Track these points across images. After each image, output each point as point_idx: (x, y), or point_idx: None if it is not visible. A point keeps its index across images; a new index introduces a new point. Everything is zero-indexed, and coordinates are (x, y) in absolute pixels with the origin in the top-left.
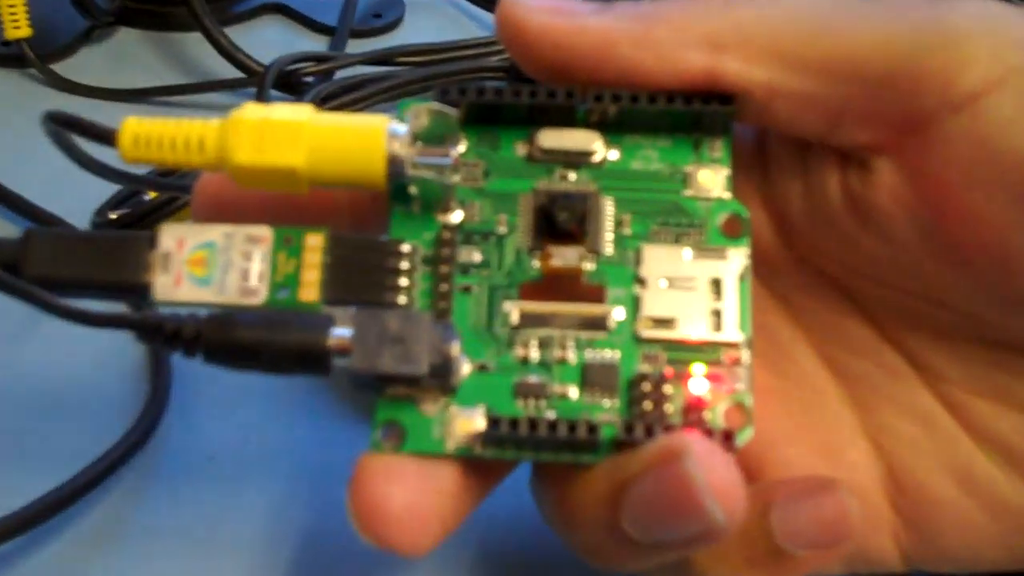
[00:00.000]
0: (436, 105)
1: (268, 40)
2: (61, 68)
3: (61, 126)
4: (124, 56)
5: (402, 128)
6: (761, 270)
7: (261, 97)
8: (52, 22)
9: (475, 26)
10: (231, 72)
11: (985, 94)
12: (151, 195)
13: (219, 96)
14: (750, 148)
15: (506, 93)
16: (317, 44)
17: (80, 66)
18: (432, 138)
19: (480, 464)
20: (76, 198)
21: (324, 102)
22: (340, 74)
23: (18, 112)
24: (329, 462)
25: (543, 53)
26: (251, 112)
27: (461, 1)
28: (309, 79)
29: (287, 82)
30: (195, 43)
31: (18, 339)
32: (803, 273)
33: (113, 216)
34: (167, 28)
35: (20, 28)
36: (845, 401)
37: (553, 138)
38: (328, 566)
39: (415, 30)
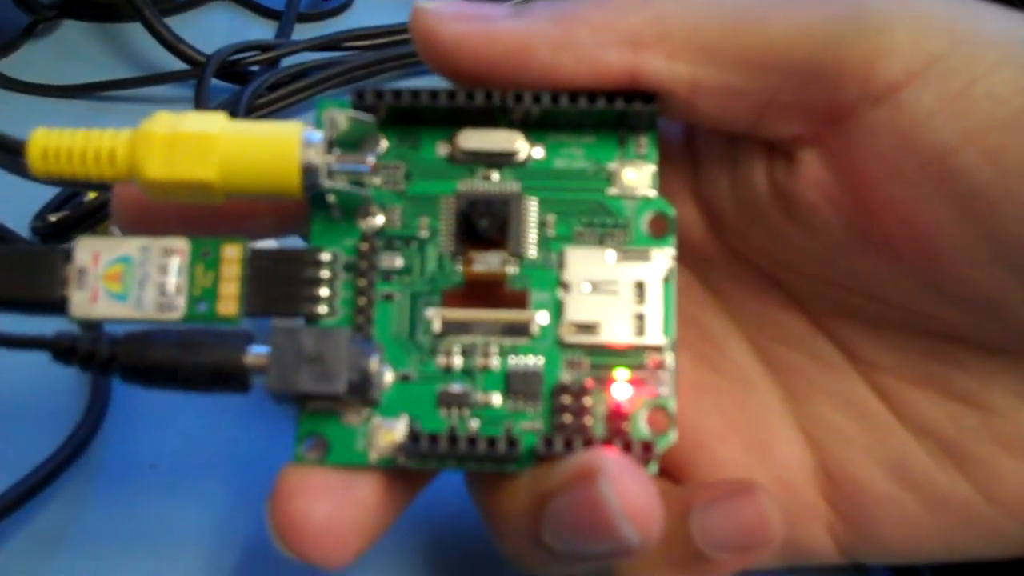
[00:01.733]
0: (352, 112)
1: (215, 28)
2: (4, 65)
3: None
4: (68, 50)
5: (317, 135)
6: (693, 263)
7: (201, 89)
8: None
9: None
10: (178, 63)
11: (906, 85)
12: (91, 195)
13: (164, 89)
14: (679, 141)
15: (423, 96)
16: (265, 30)
17: (24, 62)
18: (349, 143)
19: (403, 473)
20: (15, 201)
21: (270, 90)
22: (286, 62)
23: None
24: (271, 467)
25: (459, 63)
26: (161, 124)
27: None
28: (254, 68)
29: (231, 72)
30: (140, 33)
31: None
32: (735, 265)
33: (53, 219)
34: (112, 19)
35: None
36: (778, 394)
37: (474, 139)
38: (270, 572)
39: (365, 13)
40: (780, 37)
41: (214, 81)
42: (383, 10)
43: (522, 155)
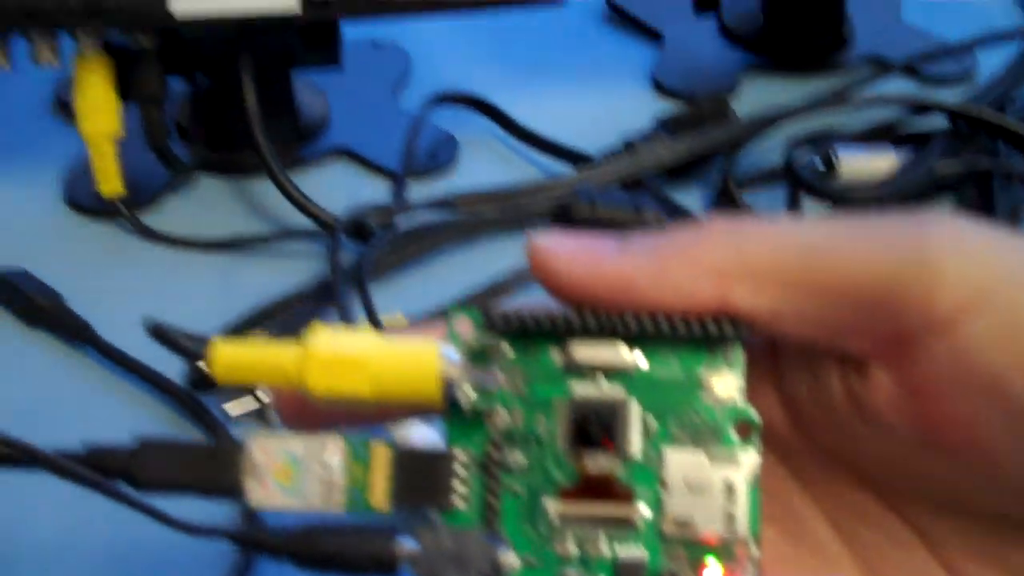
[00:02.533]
0: (480, 329)
1: (335, 182)
2: (149, 219)
3: (157, 338)
4: (206, 204)
5: (454, 355)
6: (776, 449)
7: (335, 252)
8: (139, 174)
9: (523, 161)
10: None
11: (961, 318)
12: None
13: (296, 244)
14: (763, 345)
15: (545, 321)
16: (379, 184)
17: (166, 216)
18: (477, 355)
19: None
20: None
21: (393, 249)
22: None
23: (112, 261)
24: None
25: (571, 292)
26: (321, 344)
27: (510, 139)
28: (375, 227)
29: (357, 232)
30: (271, 189)
31: None
32: (814, 452)
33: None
34: (243, 173)
35: (113, 185)
36: (857, 567)
37: (586, 351)
38: None
39: (469, 169)
40: (848, 271)
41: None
42: (484, 166)
43: (627, 364)
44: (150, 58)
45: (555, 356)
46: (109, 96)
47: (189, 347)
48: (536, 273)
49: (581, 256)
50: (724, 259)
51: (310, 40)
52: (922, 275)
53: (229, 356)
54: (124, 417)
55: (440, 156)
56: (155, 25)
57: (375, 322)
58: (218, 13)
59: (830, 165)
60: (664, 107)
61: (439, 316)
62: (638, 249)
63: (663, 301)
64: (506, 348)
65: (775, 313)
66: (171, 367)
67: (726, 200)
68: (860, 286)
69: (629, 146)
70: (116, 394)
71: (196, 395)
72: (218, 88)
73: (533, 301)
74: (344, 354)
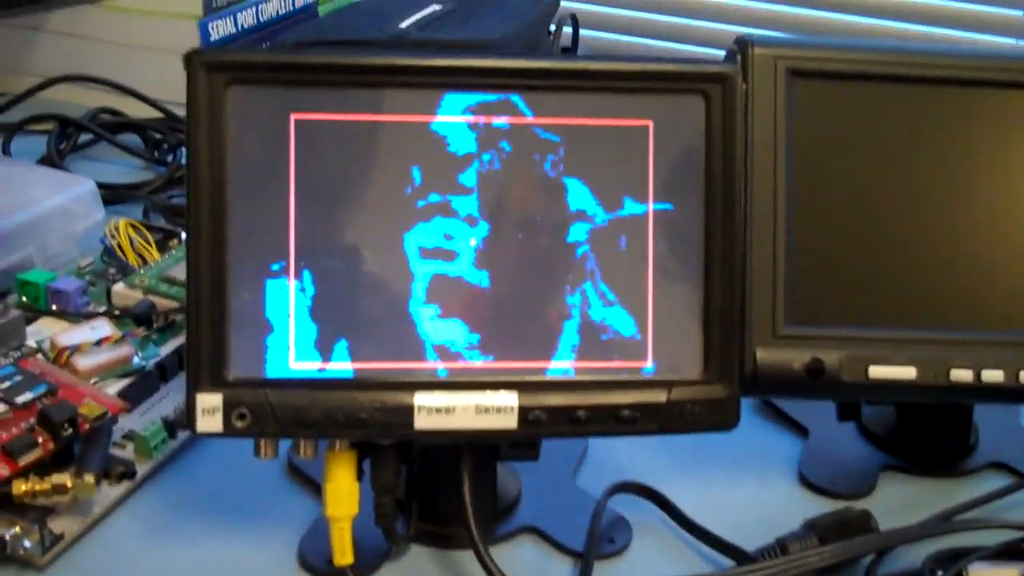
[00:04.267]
0: None
1: (524, 559)
2: None
3: None
4: (415, 571)
5: None
6: None
7: None
8: (365, 542)
9: (692, 552)
10: None
11: None
12: None
13: None
14: None
15: None
16: (564, 562)
17: None
18: None
19: None
20: None
21: None
22: None
23: None
24: None
25: None
26: None
27: (673, 524)
28: None
29: None
30: (469, 558)
31: None
32: None
33: None
34: (449, 547)
35: (347, 558)
36: None
37: None
38: None
39: (642, 554)
40: None
41: None
42: (656, 554)
43: None
44: (390, 455)
45: None
46: (353, 486)
47: None
48: None
49: None
50: None
51: (519, 443)
52: None
53: None
54: None
55: (617, 540)
56: (401, 436)
57: None
58: (451, 428)
59: None
60: (808, 498)
61: None
62: None
63: None
64: None
65: None
66: None
67: None
68: None
69: (782, 546)
70: None
71: None
72: (435, 470)
73: None
74: None
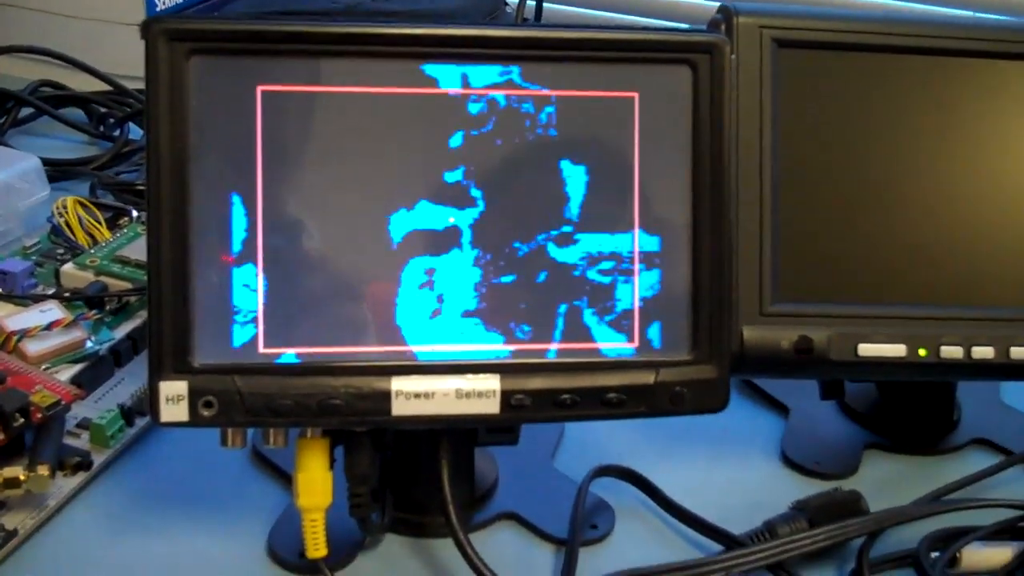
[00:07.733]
0: None
1: (504, 546)
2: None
3: None
4: (390, 562)
5: None
6: None
7: None
8: (338, 533)
9: (678, 537)
10: None
11: None
12: None
13: None
14: None
15: None
16: (546, 551)
17: (359, 572)
18: None
19: None
20: None
21: None
22: None
23: None
24: None
25: None
26: None
27: (668, 517)
28: None
29: None
30: (447, 547)
31: None
32: None
33: None
34: (425, 535)
35: (320, 551)
36: None
37: None
38: None
39: (625, 539)
40: None
41: None
42: (639, 537)
43: None
44: (364, 443)
45: None
46: (326, 475)
47: None
48: None
49: None
50: None
51: (499, 428)
52: None
53: None
54: None
55: (600, 525)
56: (377, 423)
57: None
58: (431, 414)
59: (954, 559)
60: (793, 478)
61: None
62: None
63: None
64: None
65: None
66: None
67: None
68: None
69: (771, 529)
70: None
71: None
72: (410, 457)
73: None
74: None
